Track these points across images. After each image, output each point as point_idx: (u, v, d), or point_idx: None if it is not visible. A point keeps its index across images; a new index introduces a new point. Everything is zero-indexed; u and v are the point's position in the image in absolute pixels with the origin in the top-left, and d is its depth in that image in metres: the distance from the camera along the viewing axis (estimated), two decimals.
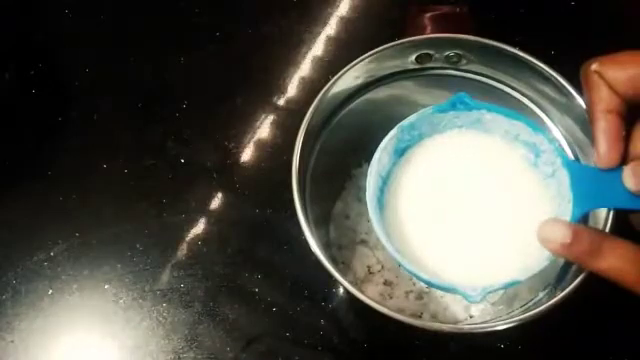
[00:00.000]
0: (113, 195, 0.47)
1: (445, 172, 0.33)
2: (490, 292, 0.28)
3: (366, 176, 0.31)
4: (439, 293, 0.40)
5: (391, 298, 0.40)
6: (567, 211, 0.30)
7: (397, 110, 0.41)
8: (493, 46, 0.35)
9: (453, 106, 0.32)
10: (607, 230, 0.32)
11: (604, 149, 0.29)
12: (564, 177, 0.30)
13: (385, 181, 0.33)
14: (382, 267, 0.41)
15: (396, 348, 0.42)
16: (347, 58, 0.36)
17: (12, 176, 0.48)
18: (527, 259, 0.29)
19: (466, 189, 0.32)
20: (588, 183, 0.29)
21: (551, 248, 0.28)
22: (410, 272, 0.29)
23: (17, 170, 0.49)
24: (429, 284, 0.30)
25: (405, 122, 0.32)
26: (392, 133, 0.32)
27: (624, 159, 0.29)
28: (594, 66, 0.29)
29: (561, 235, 0.27)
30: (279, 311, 0.43)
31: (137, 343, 0.42)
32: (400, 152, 0.33)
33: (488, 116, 0.32)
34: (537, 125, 0.31)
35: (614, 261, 0.26)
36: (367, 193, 0.31)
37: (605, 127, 0.29)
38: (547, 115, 0.37)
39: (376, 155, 0.31)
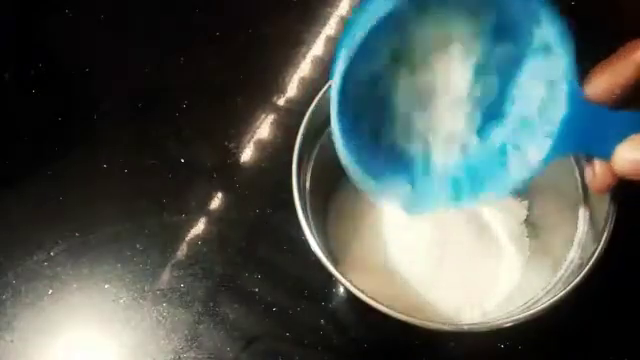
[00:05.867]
0: (113, 195, 0.47)
1: None
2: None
3: None
4: (439, 292, 0.40)
5: (392, 296, 0.40)
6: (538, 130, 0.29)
7: None
8: None
9: None
10: (607, 229, 0.32)
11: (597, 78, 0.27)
12: (559, 95, 0.28)
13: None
14: (383, 265, 0.41)
15: (396, 348, 0.42)
16: None
17: (12, 176, 0.48)
18: None
19: None
20: (582, 122, 0.28)
21: None
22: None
23: (17, 170, 0.49)
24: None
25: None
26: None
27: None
28: None
29: None
30: (279, 311, 0.43)
31: (137, 343, 0.42)
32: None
33: None
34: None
35: None
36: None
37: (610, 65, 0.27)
38: None
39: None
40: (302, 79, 0.52)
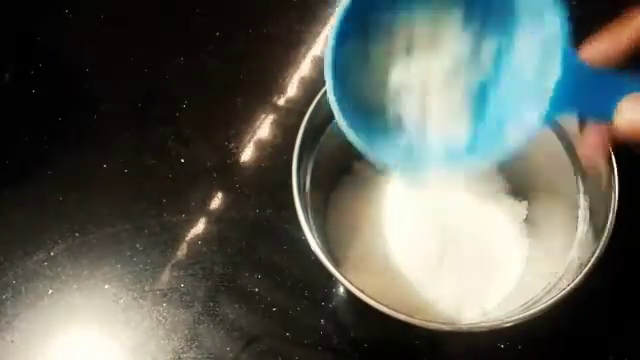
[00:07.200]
0: (113, 195, 0.47)
1: None
2: None
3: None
4: (439, 292, 0.40)
5: (391, 296, 0.40)
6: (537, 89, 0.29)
7: None
8: None
9: None
10: (607, 229, 0.32)
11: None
12: (554, 59, 0.28)
13: None
14: (383, 265, 0.41)
15: (396, 348, 0.42)
16: None
17: (12, 176, 0.48)
18: None
19: None
20: (578, 83, 0.28)
21: None
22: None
23: (17, 170, 0.49)
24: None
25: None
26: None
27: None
28: None
29: None
30: (279, 311, 0.43)
31: (137, 343, 0.42)
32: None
33: None
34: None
35: None
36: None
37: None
38: None
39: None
40: (302, 79, 0.52)
